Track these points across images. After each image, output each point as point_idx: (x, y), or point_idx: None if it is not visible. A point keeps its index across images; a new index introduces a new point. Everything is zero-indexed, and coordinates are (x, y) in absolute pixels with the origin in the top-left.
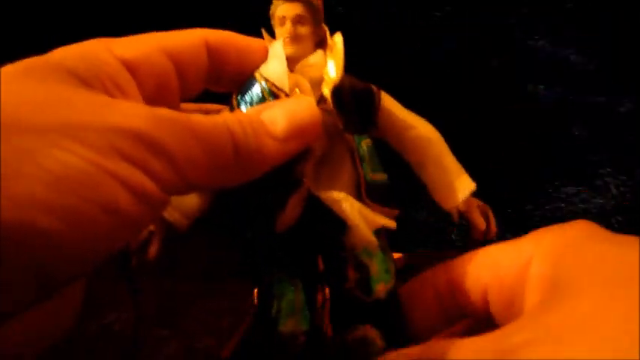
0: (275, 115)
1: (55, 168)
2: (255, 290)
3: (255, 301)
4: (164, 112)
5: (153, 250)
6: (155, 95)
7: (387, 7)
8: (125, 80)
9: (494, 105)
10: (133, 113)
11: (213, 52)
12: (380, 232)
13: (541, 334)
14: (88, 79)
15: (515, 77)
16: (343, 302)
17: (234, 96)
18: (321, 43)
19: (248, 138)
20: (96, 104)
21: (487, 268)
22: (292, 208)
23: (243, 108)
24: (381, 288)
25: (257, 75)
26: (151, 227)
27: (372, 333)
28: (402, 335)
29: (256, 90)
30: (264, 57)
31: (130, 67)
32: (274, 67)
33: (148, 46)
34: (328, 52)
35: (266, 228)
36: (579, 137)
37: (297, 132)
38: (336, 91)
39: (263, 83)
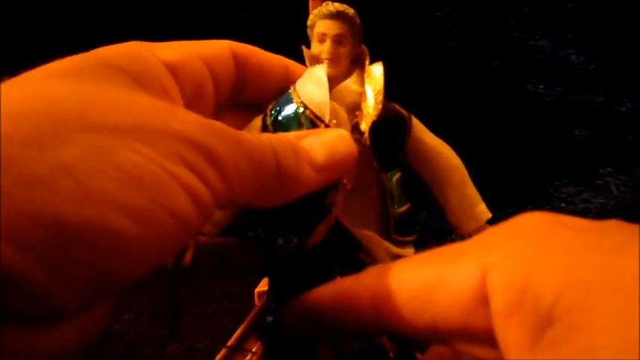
0: (315, 144)
1: (129, 168)
2: (256, 291)
3: (257, 301)
4: (218, 124)
5: (189, 256)
6: (193, 100)
7: (387, 7)
8: (170, 83)
9: (495, 105)
10: (192, 121)
11: (238, 62)
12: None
13: None
14: (142, 81)
15: (515, 77)
16: None
17: (269, 109)
18: (356, 61)
19: (289, 161)
20: (159, 109)
21: (430, 303)
22: (318, 234)
23: (277, 126)
24: None
25: (294, 95)
26: None
27: (387, 344)
28: (414, 348)
29: (292, 111)
30: (282, 72)
31: (172, 70)
32: (315, 92)
33: (185, 51)
34: (367, 79)
35: (291, 249)
36: (579, 137)
37: (334, 164)
38: (374, 126)
39: (301, 108)
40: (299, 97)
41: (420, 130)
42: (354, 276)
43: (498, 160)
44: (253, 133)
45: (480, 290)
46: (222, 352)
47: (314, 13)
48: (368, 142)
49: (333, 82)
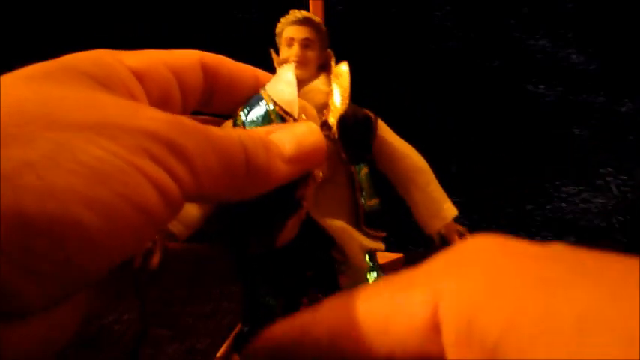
0: (284, 137)
1: (93, 163)
2: None
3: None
4: (184, 119)
5: (156, 259)
6: (159, 106)
7: (387, 7)
8: (136, 87)
9: (495, 105)
10: (158, 117)
11: (207, 72)
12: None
13: None
14: (107, 84)
15: (515, 77)
16: None
17: (239, 110)
18: (323, 66)
19: (259, 154)
20: (123, 106)
21: (387, 334)
22: (290, 229)
23: (248, 125)
24: None
25: (264, 95)
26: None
27: None
28: None
29: (262, 110)
30: (252, 82)
31: (138, 76)
32: (284, 90)
33: (152, 58)
34: (334, 79)
35: (263, 245)
36: (579, 137)
37: (303, 156)
38: (342, 120)
39: (271, 105)
40: (269, 96)
41: (385, 131)
42: (311, 310)
43: (498, 160)
44: (223, 129)
45: (432, 319)
46: None
47: (281, 21)
48: (337, 136)
49: (301, 84)
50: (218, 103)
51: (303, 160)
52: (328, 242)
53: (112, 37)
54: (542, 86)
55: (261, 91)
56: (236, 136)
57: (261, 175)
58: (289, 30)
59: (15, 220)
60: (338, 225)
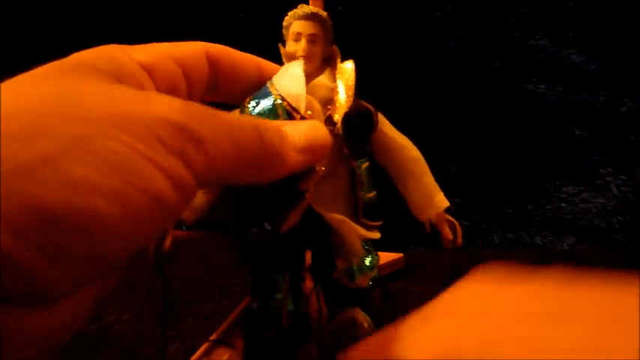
0: (293, 129)
1: (107, 155)
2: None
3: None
4: (195, 104)
5: (168, 242)
6: None
7: (387, 7)
8: (145, 80)
9: (495, 105)
10: (170, 103)
11: (211, 62)
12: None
13: None
14: (119, 78)
15: (516, 77)
16: (332, 289)
17: (246, 102)
18: (327, 61)
19: (273, 140)
20: (136, 96)
21: None
22: (293, 219)
23: (255, 117)
24: (364, 277)
25: (272, 89)
26: None
27: (360, 316)
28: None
29: (269, 103)
30: (255, 71)
31: (147, 69)
32: (291, 86)
33: (158, 52)
34: (338, 75)
35: (267, 233)
36: (579, 137)
37: (312, 149)
38: (346, 117)
39: (279, 100)
40: (276, 91)
41: (384, 124)
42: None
43: (498, 160)
44: (236, 114)
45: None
46: (205, 345)
47: (290, 15)
48: (340, 132)
49: (307, 78)
50: (222, 92)
51: (312, 151)
52: (327, 229)
53: (112, 37)
54: (542, 86)
55: (269, 85)
56: (250, 121)
57: (275, 160)
58: (297, 25)
59: (36, 209)
60: (337, 217)
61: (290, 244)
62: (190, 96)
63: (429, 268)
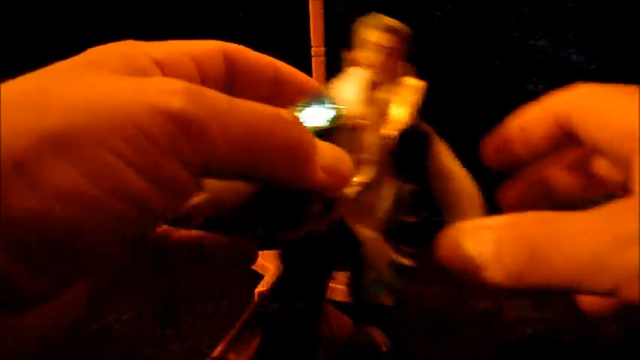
0: (324, 151)
1: (87, 162)
2: (256, 291)
3: (256, 299)
4: (206, 90)
5: (197, 221)
6: None
7: (387, 7)
8: (158, 75)
9: (495, 105)
10: (169, 89)
11: (228, 61)
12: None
13: None
14: (129, 71)
15: (516, 77)
16: (355, 306)
17: (294, 110)
18: (393, 74)
19: (302, 132)
20: (136, 83)
21: (606, 119)
22: (314, 225)
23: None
24: (389, 296)
25: (326, 92)
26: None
27: (379, 338)
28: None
29: (322, 106)
30: (271, 73)
31: (160, 66)
32: (349, 93)
33: (174, 49)
34: (401, 89)
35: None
36: None
37: (335, 171)
38: (402, 134)
39: (334, 107)
40: (332, 94)
41: (441, 152)
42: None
43: None
44: (259, 104)
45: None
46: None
47: (369, 23)
48: (392, 148)
49: (372, 88)
50: (238, 92)
51: (335, 174)
52: (356, 245)
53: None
54: (542, 86)
55: (323, 89)
56: (273, 109)
57: (303, 155)
58: (378, 36)
59: (8, 217)
60: (369, 234)
61: (314, 255)
62: None
63: (429, 268)
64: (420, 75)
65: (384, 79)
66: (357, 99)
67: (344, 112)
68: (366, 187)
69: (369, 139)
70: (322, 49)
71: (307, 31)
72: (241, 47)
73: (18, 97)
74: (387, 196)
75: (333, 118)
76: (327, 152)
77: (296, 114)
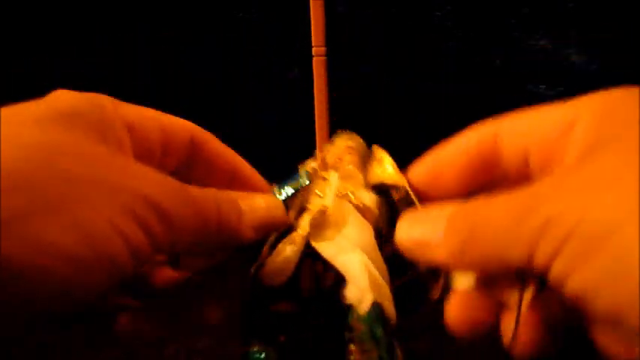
0: (251, 206)
1: (77, 220)
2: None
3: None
4: (169, 180)
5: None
6: (140, 157)
7: (388, 7)
8: (125, 138)
9: (495, 105)
10: (147, 178)
11: (195, 143)
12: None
13: (566, 189)
14: (103, 134)
15: (516, 77)
16: None
17: (279, 184)
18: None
19: (231, 216)
20: (118, 164)
21: (532, 128)
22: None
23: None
24: None
25: (299, 173)
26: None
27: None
28: None
29: (294, 179)
30: (229, 170)
31: (129, 127)
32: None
33: (146, 116)
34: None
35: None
36: None
37: (264, 228)
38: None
39: (300, 177)
40: (301, 175)
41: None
42: None
43: None
44: (201, 188)
45: (567, 132)
46: None
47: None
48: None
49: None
50: (197, 174)
51: (265, 230)
52: (341, 311)
53: (112, 37)
54: (542, 86)
55: (299, 171)
56: (212, 196)
57: (231, 234)
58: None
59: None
60: (349, 259)
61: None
62: (162, 165)
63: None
64: (420, 75)
65: (347, 159)
66: (320, 167)
67: (307, 176)
68: (325, 216)
69: (330, 187)
70: (323, 49)
71: (308, 31)
72: (210, 137)
73: (27, 154)
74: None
75: (298, 183)
76: (257, 212)
77: (275, 188)
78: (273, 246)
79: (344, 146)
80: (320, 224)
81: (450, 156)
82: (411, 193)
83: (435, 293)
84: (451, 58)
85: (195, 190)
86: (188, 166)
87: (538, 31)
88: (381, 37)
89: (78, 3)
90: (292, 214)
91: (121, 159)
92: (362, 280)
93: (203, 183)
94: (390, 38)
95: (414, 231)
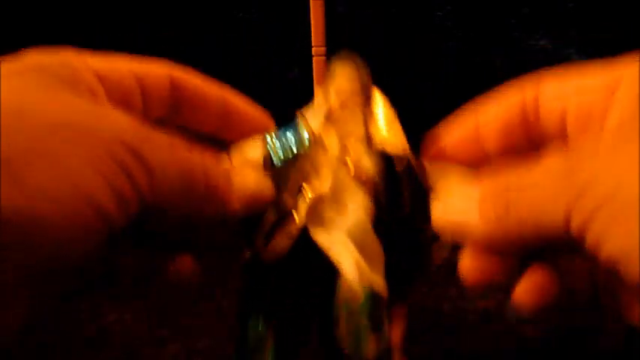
0: (242, 180)
1: (62, 164)
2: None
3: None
4: (154, 132)
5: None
6: (120, 108)
7: (388, 7)
8: (98, 87)
9: None
10: (126, 123)
11: (174, 86)
12: (376, 302)
13: (605, 154)
14: (74, 85)
15: (516, 77)
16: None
17: (272, 132)
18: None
19: (219, 187)
20: (93, 111)
21: (571, 90)
22: (280, 243)
23: (277, 142)
24: (371, 347)
25: (297, 120)
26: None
27: None
28: None
29: (292, 132)
30: (219, 104)
31: (100, 78)
32: (315, 121)
33: (117, 65)
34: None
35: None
36: None
37: (252, 205)
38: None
39: (301, 132)
40: (302, 124)
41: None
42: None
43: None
44: (190, 148)
45: (609, 94)
46: None
47: (340, 64)
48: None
49: (333, 116)
50: (184, 117)
51: (253, 207)
52: (332, 275)
53: (112, 37)
54: None
55: (297, 118)
56: (202, 163)
57: (217, 205)
58: (345, 75)
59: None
60: (332, 238)
61: (278, 279)
62: (147, 113)
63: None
64: (420, 75)
65: (349, 108)
66: (321, 126)
67: (307, 139)
68: (322, 201)
69: (329, 161)
70: (323, 48)
71: (308, 31)
72: (190, 75)
73: (6, 107)
74: (354, 211)
75: (297, 144)
76: (246, 185)
77: (268, 141)
78: (268, 234)
79: (347, 89)
80: (317, 210)
81: (491, 115)
82: (414, 165)
83: (438, 258)
84: (451, 58)
85: (184, 152)
86: (175, 111)
87: (538, 31)
88: (381, 37)
89: (78, 3)
90: (288, 198)
91: (95, 106)
92: (353, 279)
93: (194, 126)
94: (390, 38)
95: (449, 214)
